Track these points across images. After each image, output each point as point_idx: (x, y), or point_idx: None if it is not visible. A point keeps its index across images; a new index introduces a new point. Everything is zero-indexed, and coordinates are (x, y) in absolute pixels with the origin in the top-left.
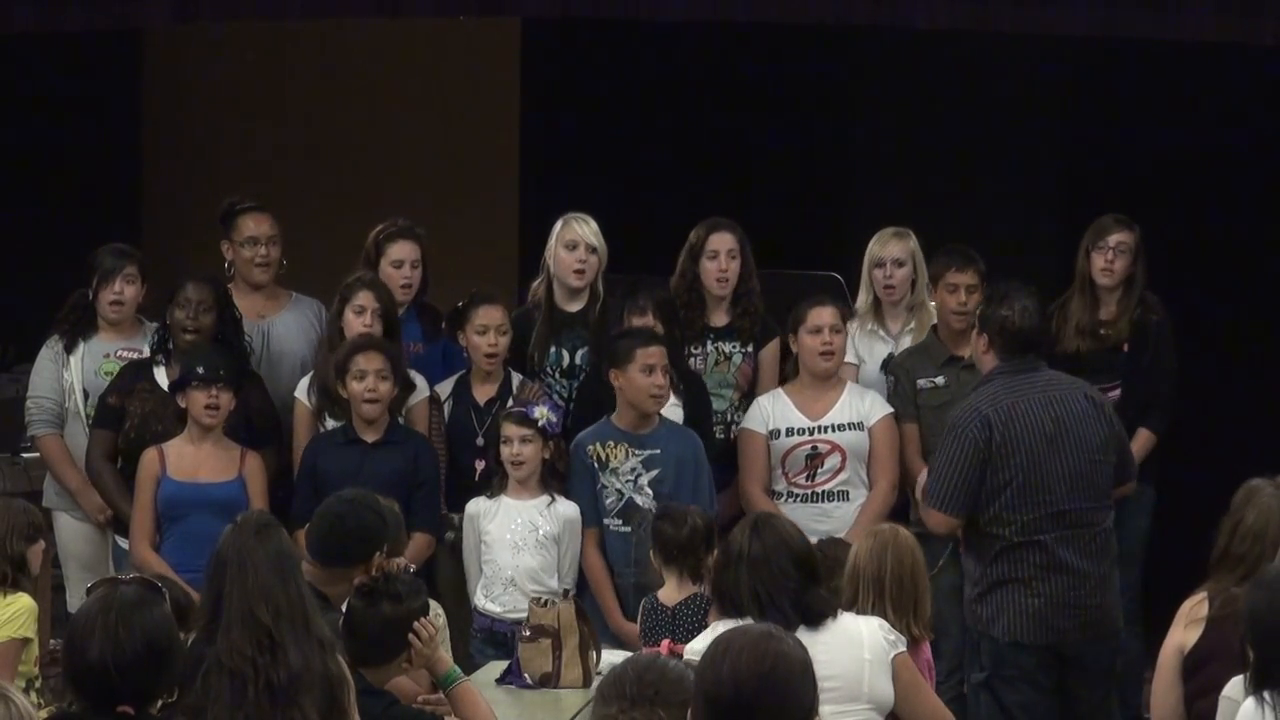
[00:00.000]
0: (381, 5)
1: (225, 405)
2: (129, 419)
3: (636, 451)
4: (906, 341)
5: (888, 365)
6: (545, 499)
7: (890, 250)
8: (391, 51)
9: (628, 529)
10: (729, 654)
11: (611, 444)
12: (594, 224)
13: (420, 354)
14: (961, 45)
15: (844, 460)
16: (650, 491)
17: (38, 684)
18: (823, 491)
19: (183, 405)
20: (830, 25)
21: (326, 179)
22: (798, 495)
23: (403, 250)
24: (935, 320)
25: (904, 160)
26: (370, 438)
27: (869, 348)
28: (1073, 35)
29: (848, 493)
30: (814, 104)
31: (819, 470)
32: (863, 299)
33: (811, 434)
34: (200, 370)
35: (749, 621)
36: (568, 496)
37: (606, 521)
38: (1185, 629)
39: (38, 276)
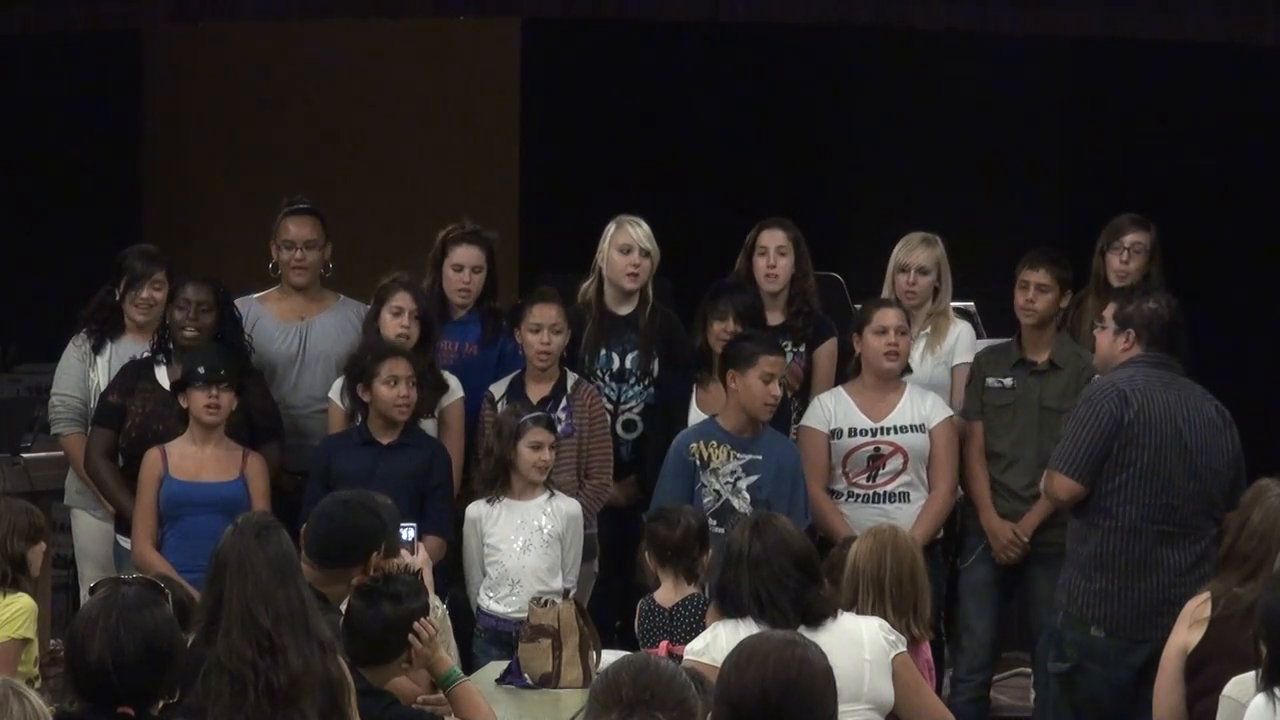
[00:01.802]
0: (381, 5)
1: (226, 405)
2: (130, 418)
3: (739, 455)
4: (920, 346)
5: (901, 370)
6: (546, 495)
7: (916, 257)
8: (391, 51)
9: (721, 530)
10: (754, 661)
11: (715, 444)
12: (646, 227)
13: (472, 356)
14: (961, 45)
15: (906, 462)
16: (748, 495)
17: (38, 684)
18: (884, 493)
19: (184, 405)
20: (830, 25)
21: (326, 179)
22: (858, 495)
23: (466, 255)
24: (954, 326)
25: (904, 160)
26: (386, 440)
27: None
28: (1073, 35)
29: (908, 494)
30: (814, 104)
31: (880, 471)
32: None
33: (874, 435)
34: (201, 370)
35: (749, 621)
36: (656, 491)
37: None
38: (1189, 629)
39: (38, 277)
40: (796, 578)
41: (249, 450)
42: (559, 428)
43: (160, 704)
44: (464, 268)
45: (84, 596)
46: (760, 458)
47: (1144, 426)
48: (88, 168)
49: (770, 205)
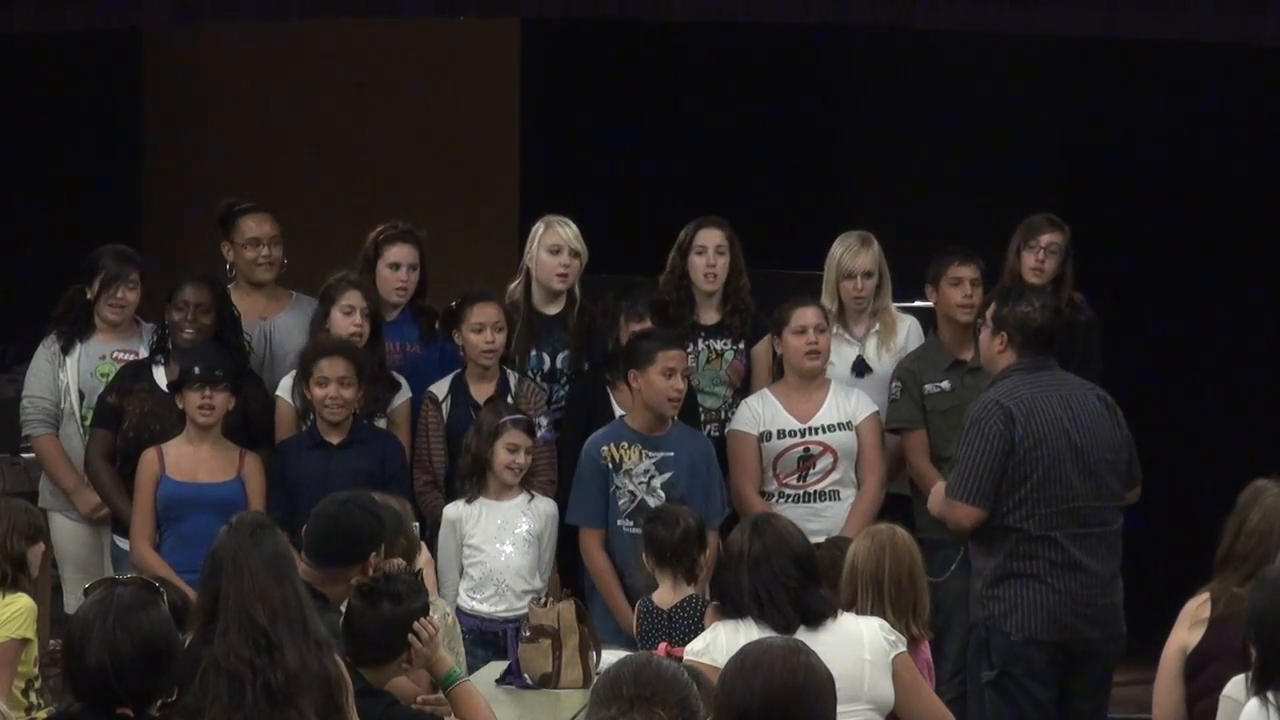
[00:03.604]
0: (382, 5)
1: (221, 405)
2: (127, 419)
3: (650, 453)
4: (872, 344)
5: (859, 368)
6: (525, 497)
7: (860, 262)
8: (391, 51)
9: (638, 530)
10: (760, 668)
11: (625, 445)
12: (574, 227)
13: (418, 354)
14: (961, 45)
15: (835, 461)
16: (663, 493)
17: (37, 684)
18: (814, 492)
19: (181, 406)
20: (830, 25)
21: (326, 179)
22: (789, 495)
23: (400, 253)
24: (902, 322)
25: (902, 160)
26: (335, 439)
27: (836, 350)
28: (1073, 35)
29: (838, 492)
30: (813, 104)
31: (810, 471)
32: (826, 303)
33: (803, 436)
34: (196, 370)
35: (749, 622)
36: (572, 497)
37: (620, 523)
38: (1189, 629)
39: (37, 277)
40: (796, 578)
41: (245, 450)
42: (540, 433)
43: (158, 704)
44: (400, 265)
45: (67, 598)
46: (671, 454)
47: (1035, 440)
48: (88, 168)
49: (768, 204)
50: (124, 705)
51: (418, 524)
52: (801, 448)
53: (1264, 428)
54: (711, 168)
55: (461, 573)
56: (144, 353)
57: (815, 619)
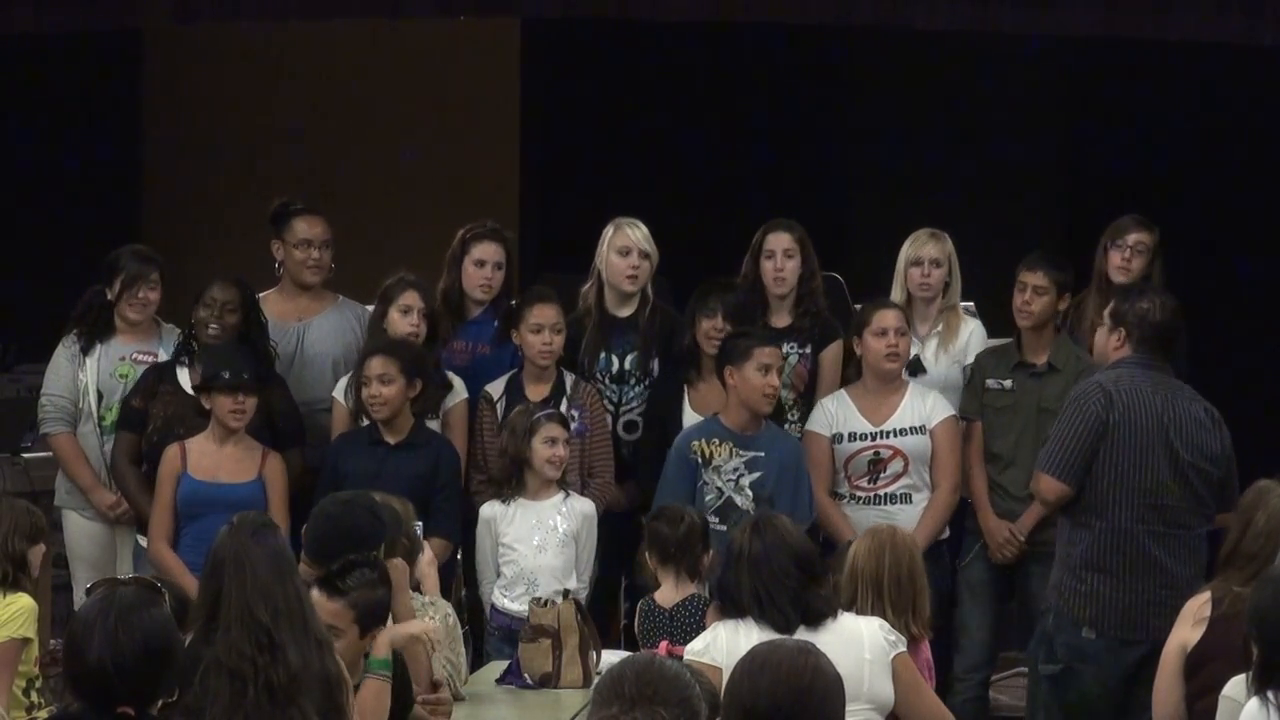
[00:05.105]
0: (381, 5)
1: (250, 409)
2: (152, 422)
3: (741, 452)
4: (933, 345)
5: (913, 368)
6: (561, 495)
7: (928, 250)
8: (391, 51)
9: (724, 528)
10: (767, 668)
11: (717, 442)
12: (644, 228)
13: (487, 355)
14: (961, 45)
15: (906, 465)
16: (750, 493)
17: (38, 684)
18: (885, 494)
19: (207, 406)
20: (830, 25)
21: (326, 179)
22: (860, 498)
23: (487, 251)
24: (966, 325)
25: (904, 160)
26: (392, 439)
27: None
28: (1073, 35)
29: (910, 495)
30: (814, 104)
31: (881, 474)
32: (897, 298)
33: (874, 439)
34: (226, 375)
35: (749, 622)
36: (658, 491)
37: (706, 519)
38: (1190, 628)
39: (38, 277)
40: (797, 577)
41: (269, 450)
42: (572, 425)
43: (159, 703)
44: (486, 263)
45: (77, 597)
46: (762, 454)
47: (1129, 428)
48: (87, 167)
49: (770, 205)
50: (125, 705)
51: (419, 523)
52: (872, 451)
53: (1267, 427)
54: (710, 168)
55: (498, 572)
56: (163, 354)
57: (815, 619)
